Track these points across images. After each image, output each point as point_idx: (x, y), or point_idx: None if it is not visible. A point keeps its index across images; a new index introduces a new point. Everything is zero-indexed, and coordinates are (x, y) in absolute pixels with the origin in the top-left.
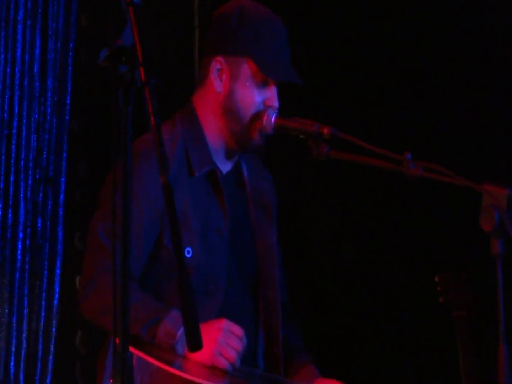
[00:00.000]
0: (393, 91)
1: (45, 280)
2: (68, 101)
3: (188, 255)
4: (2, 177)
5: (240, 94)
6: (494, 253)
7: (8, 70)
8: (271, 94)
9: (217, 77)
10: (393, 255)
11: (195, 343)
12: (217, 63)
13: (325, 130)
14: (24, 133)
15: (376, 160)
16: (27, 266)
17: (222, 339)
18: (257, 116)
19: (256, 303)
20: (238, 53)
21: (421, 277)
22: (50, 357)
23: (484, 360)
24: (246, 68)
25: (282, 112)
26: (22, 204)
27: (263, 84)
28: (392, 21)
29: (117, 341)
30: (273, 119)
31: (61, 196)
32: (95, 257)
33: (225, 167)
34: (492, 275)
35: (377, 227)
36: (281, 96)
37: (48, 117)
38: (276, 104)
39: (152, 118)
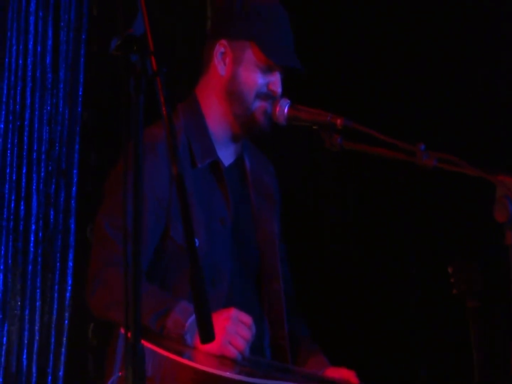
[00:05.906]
0: (407, 82)
1: (57, 272)
2: (80, 93)
3: None
4: (15, 169)
5: (243, 76)
6: (508, 244)
7: (20, 62)
8: (274, 79)
9: (221, 61)
10: (406, 245)
11: (207, 335)
12: (221, 47)
13: (338, 121)
14: (36, 125)
15: (389, 151)
16: (39, 259)
17: (231, 328)
18: (262, 98)
19: (260, 293)
20: (241, 37)
21: (434, 268)
22: (63, 350)
23: (498, 351)
24: (250, 52)
25: (293, 101)
26: (34, 196)
27: (267, 69)
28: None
29: (129, 335)
30: (286, 110)
31: (74, 188)
32: (102, 251)
33: (227, 159)
34: (505, 265)
35: (390, 218)
36: (290, 86)
37: (61, 109)
38: (279, 89)
39: (163, 108)
